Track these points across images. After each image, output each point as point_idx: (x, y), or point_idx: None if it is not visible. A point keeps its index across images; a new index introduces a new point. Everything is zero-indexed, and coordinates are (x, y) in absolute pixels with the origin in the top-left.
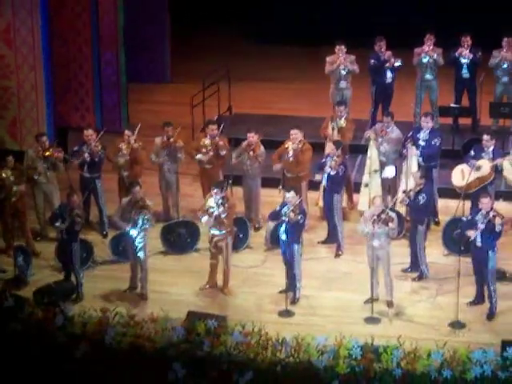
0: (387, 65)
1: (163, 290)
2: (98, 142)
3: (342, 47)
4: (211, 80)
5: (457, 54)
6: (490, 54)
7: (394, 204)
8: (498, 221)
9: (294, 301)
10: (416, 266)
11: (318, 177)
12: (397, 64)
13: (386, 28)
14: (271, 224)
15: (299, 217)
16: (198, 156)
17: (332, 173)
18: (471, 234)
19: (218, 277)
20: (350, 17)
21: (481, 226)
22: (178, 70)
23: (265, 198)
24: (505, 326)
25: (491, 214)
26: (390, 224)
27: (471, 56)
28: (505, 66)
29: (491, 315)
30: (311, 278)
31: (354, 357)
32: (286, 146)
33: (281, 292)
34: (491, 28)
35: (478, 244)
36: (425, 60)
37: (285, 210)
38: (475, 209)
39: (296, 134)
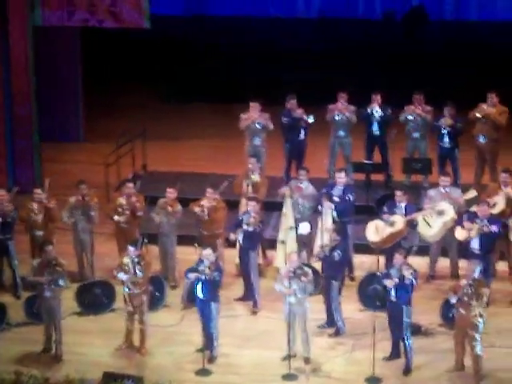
0: (300, 122)
1: (79, 351)
2: (10, 203)
3: (256, 104)
4: (125, 139)
5: (368, 110)
6: (401, 110)
7: (310, 260)
8: (409, 275)
9: (212, 359)
10: (332, 321)
11: (232, 236)
12: (310, 120)
13: (297, 85)
14: (188, 282)
15: (215, 274)
16: (116, 218)
17: (250, 229)
18: (389, 283)
19: (134, 337)
20: (263, 74)
21: (395, 281)
22: (92, 130)
23: (181, 255)
24: (421, 381)
25: (404, 268)
26: (304, 278)
27: (381, 112)
28: (412, 120)
29: (407, 370)
30: (228, 336)
31: None
32: (201, 203)
33: (198, 351)
34: (403, 86)
35: (393, 298)
36: (338, 118)
37: (201, 267)
38: (390, 264)
39: (211, 193)
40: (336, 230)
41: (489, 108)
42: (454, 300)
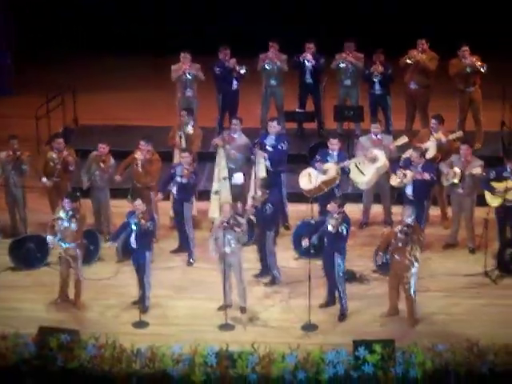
0: (233, 72)
1: (13, 307)
2: None
3: (187, 55)
4: (55, 92)
5: (300, 59)
6: (333, 58)
7: (244, 210)
8: (336, 223)
9: (144, 310)
10: (266, 270)
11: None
12: (242, 71)
13: (230, 35)
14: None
15: (149, 223)
16: (43, 180)
17: (183, 181)
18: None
19: (69, 290)
20: (194, 25)
21: (329, 228)
22: (22, 83)
23: (115, 208)
24: (356, 327)
25: (337, 217)
26: (238, 229)
27: (314, 61)
28: (343, 67)
29: (342, 316)
30: (164, 288)
31: (209, 364)
32: (135, 156)
33: (134, 303)
34: (336, 34)
35: (327, 246)
36: (269, 67)
37: (132, 218)
38: (323, 212)
39: (144, 146)
40: (264, 184)
41: (419, 54)
42: (379, 262)
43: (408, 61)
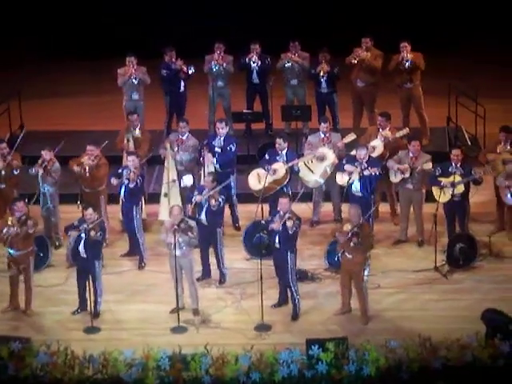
0: (179, 74)
1: None
2: None
3: (132, 58)
4: (1, 99)
5: (246, 60)
6: (279, 58)
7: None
8: (289, 223)
9: (96, 315)
10: (208, 272)
11: (114, 181)
12: (190, 71)
13: (175, 36)
14: (71, 241)
15: (98, 234)
16: None
17: (131, 185)
18: (275, 226)
19: (20, 298)
20: (140, 27)
21: (279, 225)
22: None
23: (64, 214)
24: (309, 326)
25: (286, 216)
26: (189, 233)
27: (259, 61)
28: (289, 67)
29: (295, 316)
30: (115, 292)
31: (162, 368)
32: (82, 160)
33: (83, 309)
34: (282, 34)
35: (277, 246)
36: (215, 68)
37: (83, 226)
38: (274, 211)
39: (92, 150)
40: (213, 178)
41: (364, 53)
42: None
43: (353, 60)
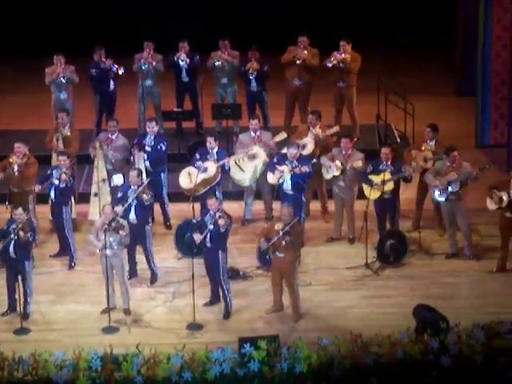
0: (109, 73)
1: None
2: None
3: (61, 57)
4: None
5: (175, 58)
6: (209, 57)
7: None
8: (221, 222)
9: (25, 316)
10: (135, 271)
11: (37, 188)
12: (120, 72)
13: (104, 35)
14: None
15: (28, 235)
16: None
17: (61, 185)
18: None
19: None
20: (69, 27)
21: (210, 227)
22: None
23: None
24: (241, 324)
25: (217, 214)
26: (121, 232)
27: (189, 60)
28: (219, 65)
29: (227, 314)
30: (45, 293)
31: (93, 368)
32: (10, 160)
33: (12, 310)
34: (211, 32)
35: (208, 244)
36: (144, 67)
37: (12, 226)
38: (204, 210)
39: (19, 148)
40: (137, 173)
41: (302, 52)
42: (265, 246)
43: (297, 62)
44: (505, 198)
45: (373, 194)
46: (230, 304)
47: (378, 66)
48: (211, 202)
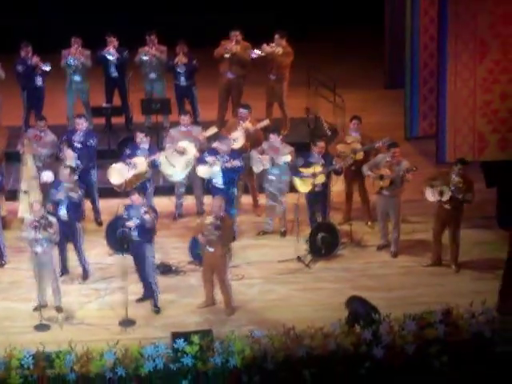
0: (36, 70)
1: None
2: None
3: None
4: None
5: (103, 53)
6: (137, 52)
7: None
8: (147, 217)
9: None
10: (66, 269)
11: None
12: (47, 68)
13: (32, 31)
14: None
15: None
16: None
17: None
18: (130, 223)
19: None
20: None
21: (135, 221)
22: None
23: None
24: (173, 319)
25: (142, 210)
26: (50, 229)
27: (117, 55)
28: (147, 60)
29: (157, 308)
30: None
31: (26, 366)
32: None
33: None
34: (136, 27)
35: (135, 238)
36: (71, 62)
37: None
38: (127, 205)
39: None
40: (68, 172)
41: (234, 46)
42: (203, 241)
43: (226, 55)
44: (446, 191)
45: (304, 188)
46: (157, 298)
47: (306, 58)
48: (134, 198)
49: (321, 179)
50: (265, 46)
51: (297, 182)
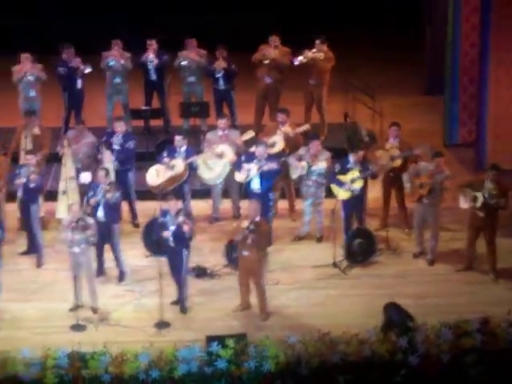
0: (77, 72)
1: None
2: None
3: (28, 55)
4: None
5: (143, 58)
6: (176, 56)
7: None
8: (186, 228)
9: None
10: (102, 269)
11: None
12: (87, 70)
13: (72, 34)
14: None
15: None
16: None
17: (29, 184)
18: (166, 234)
19: None
20: (39, 24)
21: (171, 228)
22: None
23: None
24: (208, 322)
25: (180, 218)
26: (88, 231)
27: (157, 60)
28: (186, 64)
29: (184, 310)
30: (13, 291)
31: (61, 366)
32: None
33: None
34: (178, 31)
35: (172, 244)
36: (112, 64)
37: None
38: (163, 210)
39: None
40: (105, 173)
41: (273, 51)
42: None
43: (265, 62)
44: (479, 197)
45: (342, 194)
46: (186, 299)
47: (345, 64)
48: (171, 204)
49: (358, 184)
50: (307, 51)
51: (335, 188)
